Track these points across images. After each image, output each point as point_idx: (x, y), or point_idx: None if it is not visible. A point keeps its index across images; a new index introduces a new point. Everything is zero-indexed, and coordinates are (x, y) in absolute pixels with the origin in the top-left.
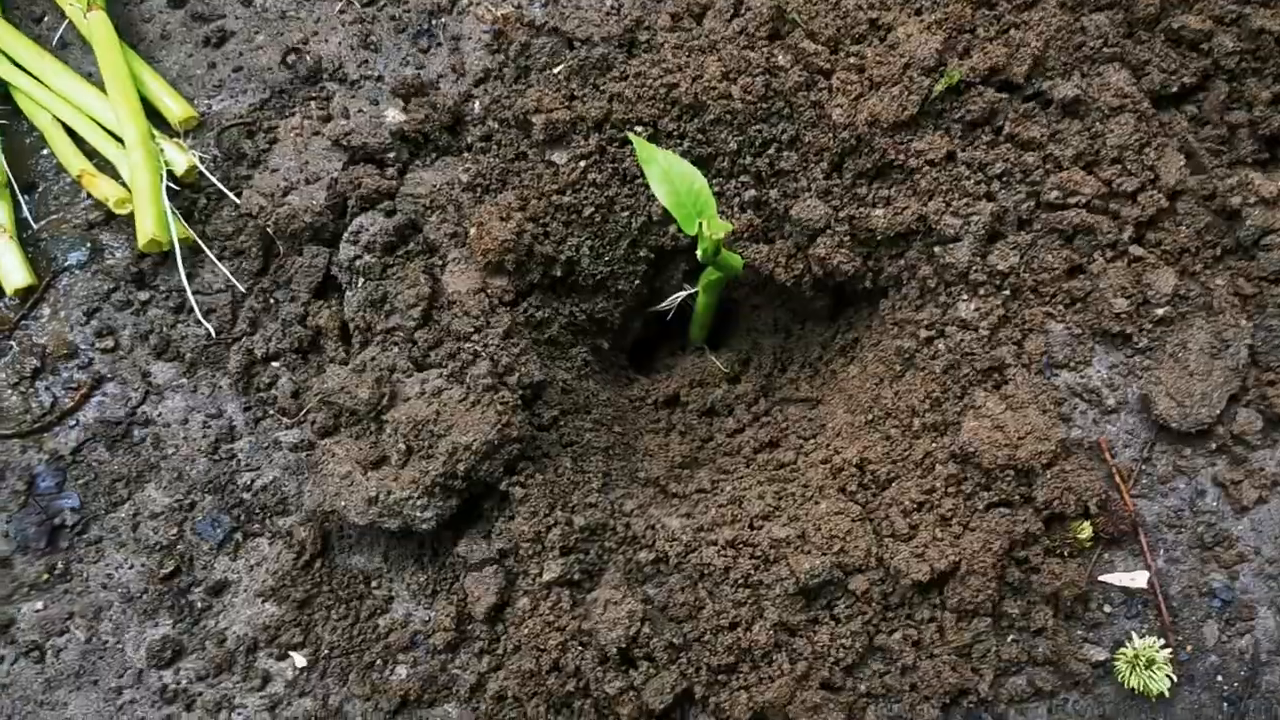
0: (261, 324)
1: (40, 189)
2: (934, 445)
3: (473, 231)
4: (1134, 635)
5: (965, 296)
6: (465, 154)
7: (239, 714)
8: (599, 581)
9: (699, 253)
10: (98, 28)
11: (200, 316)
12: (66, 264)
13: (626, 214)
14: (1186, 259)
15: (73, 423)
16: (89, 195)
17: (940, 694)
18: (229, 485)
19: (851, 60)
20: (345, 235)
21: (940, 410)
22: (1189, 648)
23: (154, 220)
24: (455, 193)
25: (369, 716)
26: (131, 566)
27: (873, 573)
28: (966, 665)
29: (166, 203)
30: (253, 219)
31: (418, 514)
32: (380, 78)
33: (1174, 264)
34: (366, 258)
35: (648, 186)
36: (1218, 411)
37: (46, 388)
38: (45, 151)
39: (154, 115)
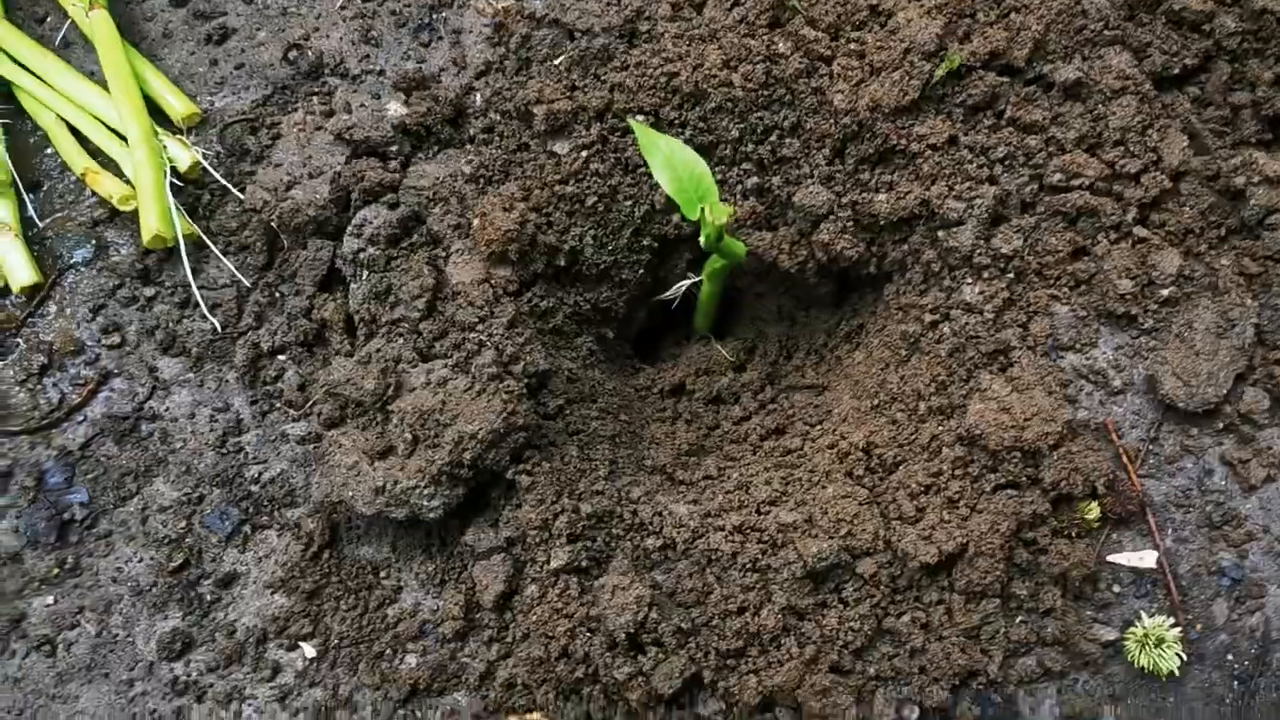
0: (267, 318)
1: (45, 187)
2: (940, 428)
3: (476, 222)
4: (1143, 615)
5: (969, 280)
6: (467, 146)
7: (250, 705)
8: (607, 568)
9: (702, 239)
10: (100, 26)
11: (206, 311)
12: (72, 261)
13: (629, 203)
14: (1191, 239)
15: (80, 418)
16: (93, 193)
17: (949, 676)
18: (237, 478)
19: (852, 46)
20: (349, 228)
21: (946, 393)
22: (1199, 626)
23: (158, 216)
24: (458, 184)
25: (379, 706)
26: (141, 560)
27: (880, 556)
28: (975, 647)
29: (170, 199)
30: (257, 214)
31: (425, 503)
32: (382, 72)
33: (1178, 244)
34: (370, 250)
35: (650, 175)
36: (1224, 391)
37: (54, 384)
38: (49, 150)
39: (157, 113)
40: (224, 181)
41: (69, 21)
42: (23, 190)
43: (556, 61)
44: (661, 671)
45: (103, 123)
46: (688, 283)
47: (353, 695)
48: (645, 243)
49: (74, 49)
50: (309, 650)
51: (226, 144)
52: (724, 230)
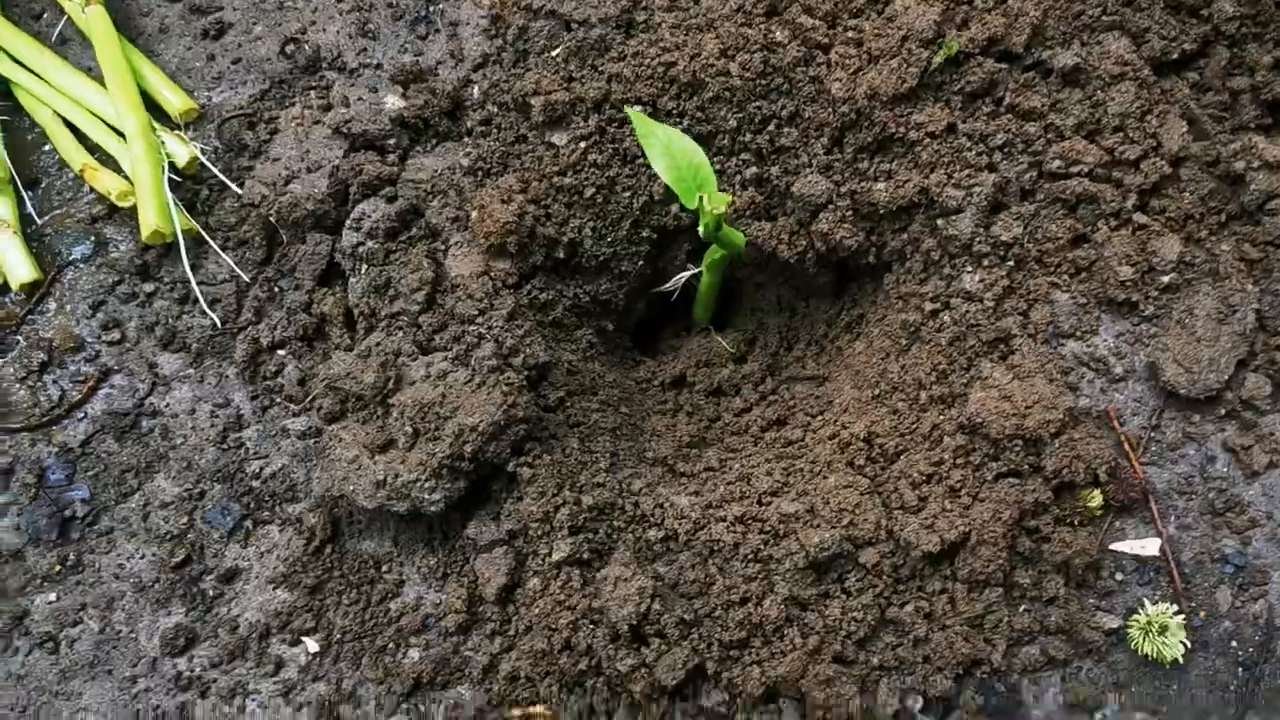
0: (266, 313)
1: (43, 184)
2: (941, 417)
3: (474, 215)
4: (1146, 602)
5: (969, 268)
6: (465, 138)
7: (253, 700)
8: (609, 560)
9: (700, 229)
10: (96, 22)
11: (205, 307)
12: (71, 258)
13: (628, 194)
14: (1191, 225)
15: (81, 415)
16: (91, 189)
17: (953, 665)
18: (238, 473)
19: (849, 34)
20: (348, 222)
21: (947, 382)
22: (1202, 614)
23: (157, 212)
24: (456, 177)
25: (382, 700)
26: (143, 556)
27: (883, 545)
28: (979, 636)
29: (169, 194)
30: (255, 208)
31: (426, 496)
32: (379, 65)
33: (1179, 230)
34: (369, 244)
35: (648, 167)
36: (1226, 377)
37: (54, 381)
38: (47, 147)
39: (154, 108)
40: (222, 176)
41: (65, 18)
42: (21, 187)
43: (554, 53)
44: (664, 663)
45: (100, 119)
46: (687, 274)
47: (356, 689)
48: (644, 234)
49: (71, 45)
50: (312, 645)
51: (224, 139)
52: (723, 219)
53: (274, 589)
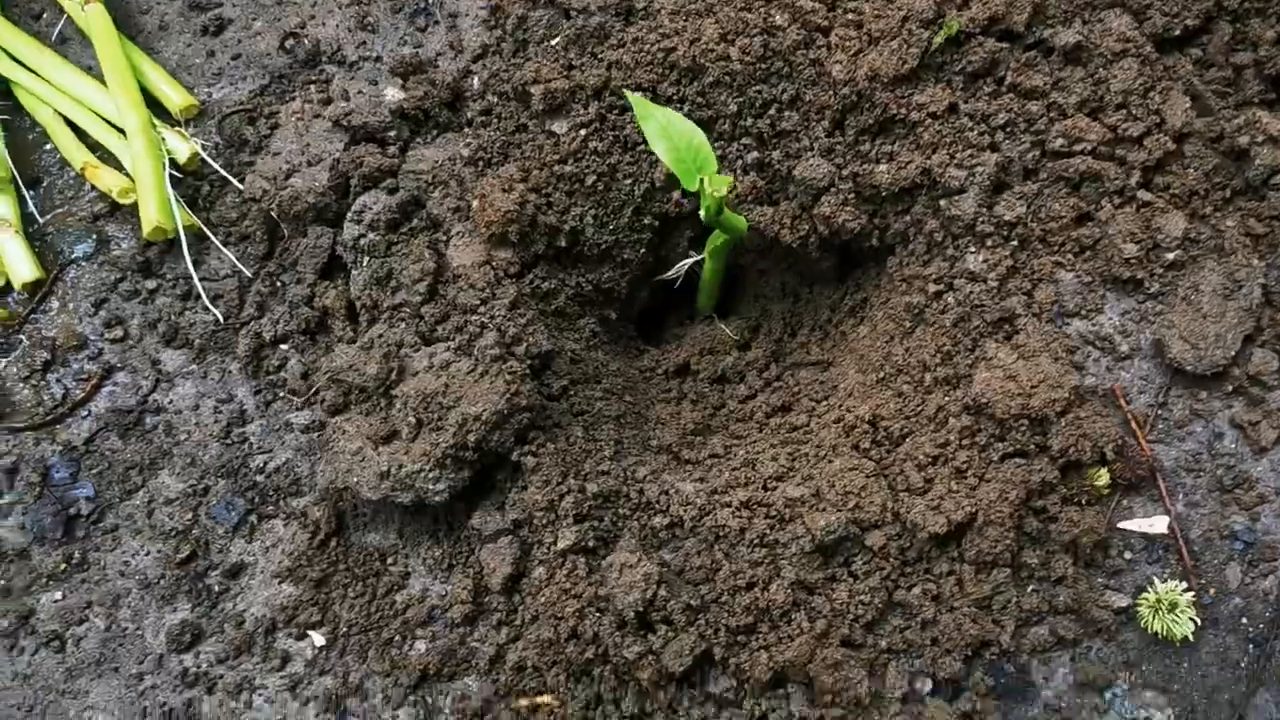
0: (269, 307)
1: (45, 183)
2: (947, 399)
3: (475, 204)
4: (1156, 580)
5: (973, 249)
6: (466, 129)
7: (260, 695)
8: (614, 547)
9: (702, 212)
10: (95, 20)
11: (208, 302)
12: (73, 256)
13: (629, 181)
14: (1196, 201)
15: (85, 413)
16: (93, 187)
17: (962, 647)
18: (242, 468)
19: (849, 16)
20: (349, 215)
21: (952, 363)
22: (1212, 591)
23: (158, 208)
24: (457, 167)
25: (389, 692)
26: (148, 553)
27: (889, 528)
28: (987, 617)
29: (170, 191)
30: (256, 203)
31: (430, 486)
32: (379, 58)
33: (1183, 207)
34: (371, 236)
35: (650, 153)
36: (1233, 353)
37: (58, 380)
38: (48, 146)
39: (155, 105)
40: (223, 172)
41: (65, 17)
42: (22, 186)
43: (553, 41)
44: (671, 650)
45: (101, 117)
46: (690, 261)
47: (363, 682)
48: (646, 221)
49: (71, 44)
50: (318, 639)
51: (225, 135)
52: (724, 202)
53: (279, 583)
